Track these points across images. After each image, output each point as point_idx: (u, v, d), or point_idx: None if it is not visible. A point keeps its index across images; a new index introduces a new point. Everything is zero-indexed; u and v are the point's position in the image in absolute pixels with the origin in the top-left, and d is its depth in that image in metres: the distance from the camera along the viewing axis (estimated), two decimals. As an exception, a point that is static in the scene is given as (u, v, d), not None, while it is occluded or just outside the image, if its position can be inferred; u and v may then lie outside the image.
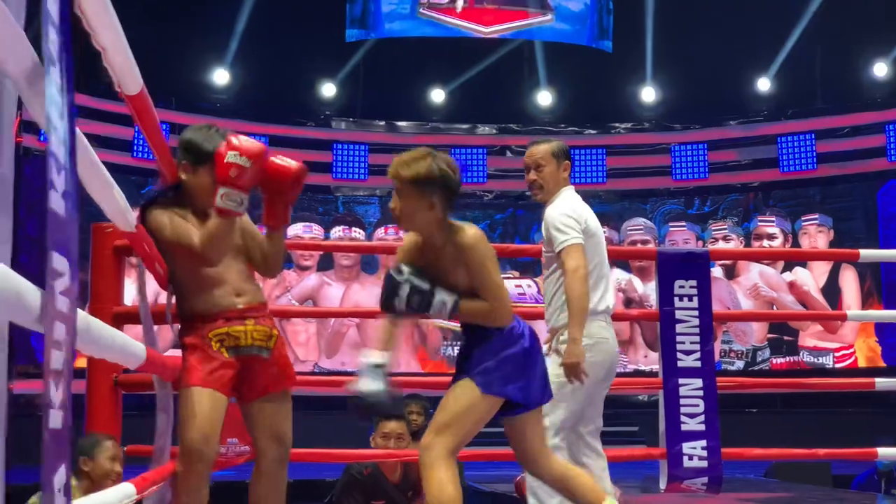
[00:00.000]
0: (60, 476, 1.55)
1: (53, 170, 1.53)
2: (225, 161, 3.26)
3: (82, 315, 1.82)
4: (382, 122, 18.26)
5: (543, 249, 4.59)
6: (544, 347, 4.13)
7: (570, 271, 4.34)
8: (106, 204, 2.83)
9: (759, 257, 17.37)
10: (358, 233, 17.45)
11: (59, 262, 1.53)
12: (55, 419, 1.52)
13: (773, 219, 17.76)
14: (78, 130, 2.00)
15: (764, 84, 17.91)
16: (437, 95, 18.21)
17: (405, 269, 3.51)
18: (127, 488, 2.84)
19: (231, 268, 3.59)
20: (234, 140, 3.28)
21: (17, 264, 1.58)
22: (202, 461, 3.42)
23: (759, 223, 17.79)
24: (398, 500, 5.48)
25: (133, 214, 3.23)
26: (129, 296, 5.22)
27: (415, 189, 3.45)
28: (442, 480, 3.39)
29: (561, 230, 4.44)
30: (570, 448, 4.56)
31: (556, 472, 3.69)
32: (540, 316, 4.92)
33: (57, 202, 1.53)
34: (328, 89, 17.86)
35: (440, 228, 3.52)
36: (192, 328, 3.55)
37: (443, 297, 3.45)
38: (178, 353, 3.77)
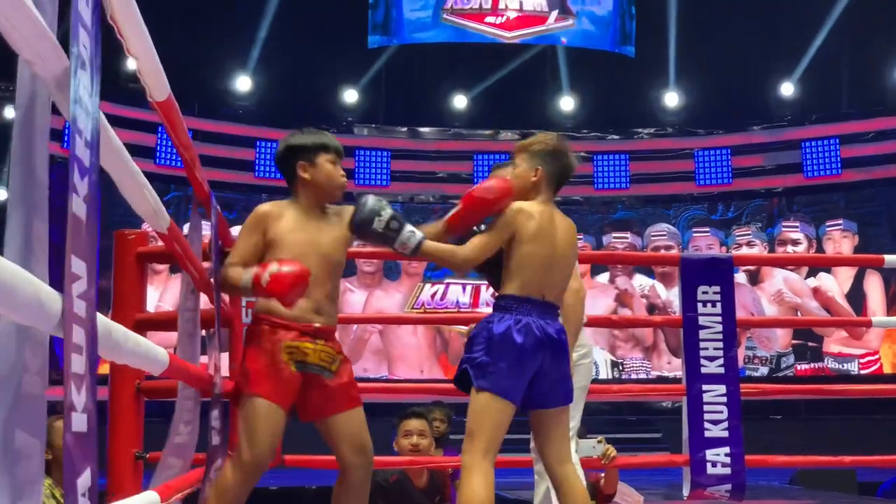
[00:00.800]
0: (85, 479, 1.55)
1: (76, 174, 1.53)
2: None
3: (103, 320, 1.82)
4: (405, 129, 18.27)
5: None
6: None
7: (575, 291, 4.37)
8: (138, 204, 2.85)
9: (783, 263, 17.28)
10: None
11: (77, 266, 1.53)
12: (79, 422, 1.53)
13: (798, 224, 17.67)
14: (111, 131, 2.01)
15: (788, 89, 17.82)
16: (460, 101, 18.21)
17: (380, 198, 3.71)
18: (151, 496, 2.84)
19: (319, 285, 3.63)
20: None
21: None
22: (258, 474, 3.50)
23: (784, 229, 17.70)
24: (425, 503, 5.47)
25: (167, 217, 3.24)
26: (151, 303, 5.23)
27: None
28: (472, 486, 3.51)
29: None
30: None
31: (557, 476, 3.80)
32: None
33: (78, 206, 1.53)
34: (350, 96, 17.89)
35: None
36: (263, 334, 3.58)
37: (410, 229, 3.61)
38: (204, 359, 3.78)
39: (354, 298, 17.06)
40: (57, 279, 1.54)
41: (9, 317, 1.46)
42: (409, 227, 3.60)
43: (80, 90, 1.58)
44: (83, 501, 1.54)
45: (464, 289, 17.44)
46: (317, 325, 3.63)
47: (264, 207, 3.80)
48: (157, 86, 2.72)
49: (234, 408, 3.73)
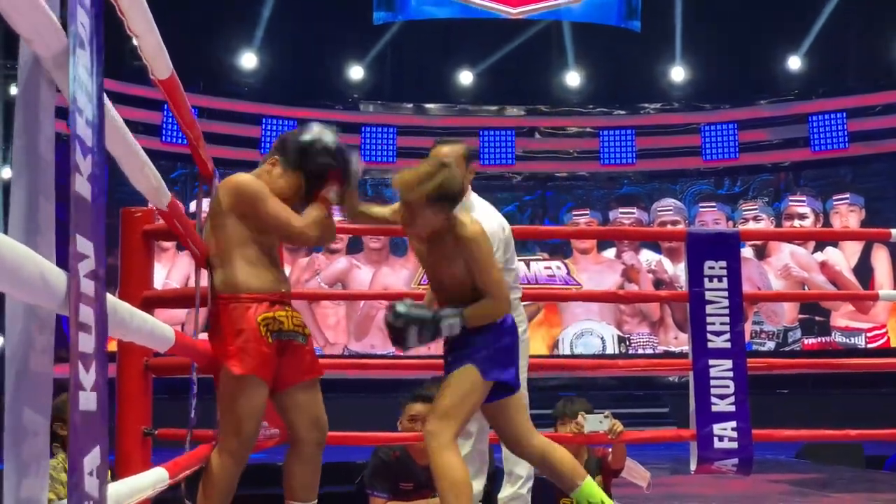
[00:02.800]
0: (93, 458, 1.55)
1: (79, 153, 1.52)
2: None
3: (109, 298, 1.82)
4: (410, 105, 18.24)
5: None
6: None
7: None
8: (140, 182, 2.85)
9: (789, 237, 17.25)
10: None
11: (83, 245, 1.53)
12: (86, 401, 1.53)
13: (804, 198, 17.64)
14: (113, 110, 2.01)
15: (794, 62, 17.75)
16: (466, 77, 18.16)
17: (401, 309, 3.65)
18: (159, 473, 2.85)
19: (277, 252, 3.65)
20: None
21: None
22: (247, 456, 3.49)
23: (790, 203, 17.67)
24: (427, 482, 5.49)
25: (167, 194, 3.23)
26: (159, 280, 5.23)
27: (429, 206, 3.70)
28: (452, 464, 3.52)
29: None
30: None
31: (537, 450, 3.83)
32: (572, 298, 4.93)
33: (82, 185, 1.53)
34: (356, 72, 17.85)
35: (446, 222, 3.68)
36: (235, 311, 3.54)
37: (449, 322, 3.60)
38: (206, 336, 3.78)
39: (361, 275, 17.08)
40: (65, 258, 1.54)
41: (14, 296, 1.46)
42: (446, 322, 3.62)
43: (79, 69, 1.58)
44: (90, 480, 1.55)
45: (470, 265, 17.43)
46: (283, 290, 3.60)
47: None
48: (160, 64, 2.71)
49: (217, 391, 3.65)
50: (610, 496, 5.30)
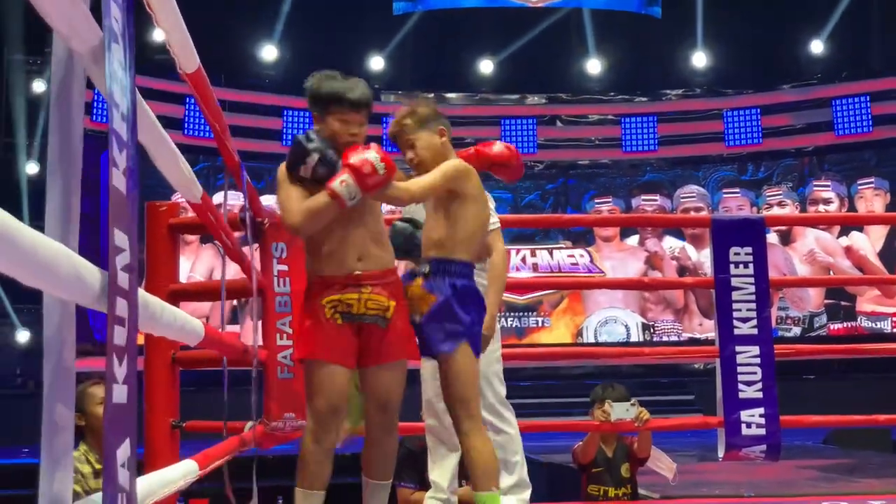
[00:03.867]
0: (124, 450, 1.57)
1: (115, 147, 1.53)
2: (365, 157, 3.39)
3: (140, 293, 1.83)
4: (431, 95, 18.22)
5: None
6: None
7: (502, 253, 4.32)
8: (173, 175, 2.86)
9: (814, 222, 17.17)
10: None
11: (120, 238, 1.54)
12: (119, 394, 1.54)
13: (829, 183, 17.55)
14: (143, 102, 2.02)
15: (817, 46, 17.65)
16: (486, 66, 18.14)
17: (314, 136, 3.61)
18: (189, 465, 2.87)
19: (355, 231, 3.58)
20: (382, 150, 3.45)
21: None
22: (328, 437, 3.48)
23: (815, 188, 17.59)
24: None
25: (199, 187, 3.24)
26: (183, 273, 5.26)
27: (422, 127, 3.84)
28: (485, 447, 3.54)
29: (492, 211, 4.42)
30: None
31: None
32: (596, 285, 4.91)
33: (118, 179, 1.54)
34: (376, 63, 17.85)
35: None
36: (310, 294, 3.58)
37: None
38: (235, 328, 3.80)
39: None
40: (89, 251, 1.56)
41: (51, 292, 1.48)
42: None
43: (114, 64, 1.59)
44: (122, 472, 1.56)
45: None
46: (357, 272, 3.55)
47: None
48: (187, 57, 2.72)
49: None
50: (636, 485, 5.31)
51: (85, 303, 1.53)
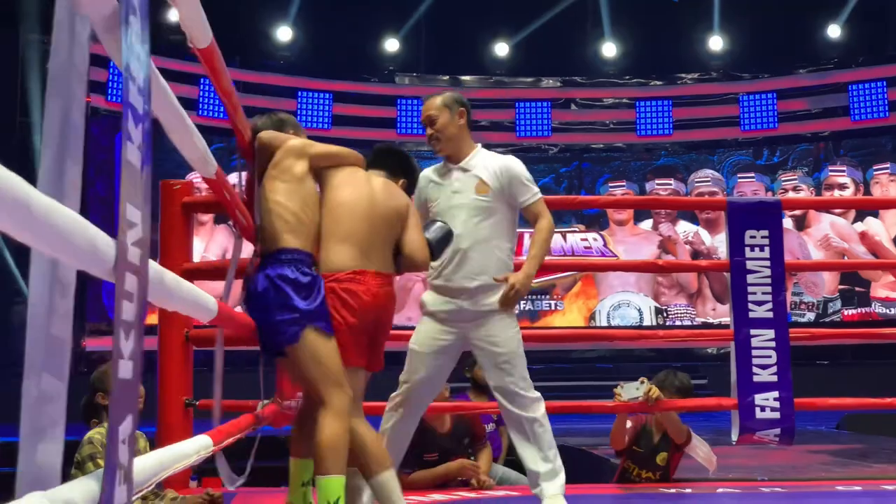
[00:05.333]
0: (126, 426, 1.55)
1: (130, 121, 1.51)
2: None
3: (155, 267, 1.82)
4: (446, 77, 18.18)
5: (479, 197, 4.43)
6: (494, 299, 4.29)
7: (550, 220, 4.44)
8: (188, 150, 2.84)
9: (830, 206, 17.09)
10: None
11: (132, 213, 1.52)
12: (125, 369, 1.53)
13: (844, 168, 17.46)
14: (160, 78, 2.00)
15: (834, 31, 17.54)
16: (501, 49, 18.07)
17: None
18: (203, 440, 2.87)
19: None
20: None
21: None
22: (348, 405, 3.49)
23: (830, 173, 17.50)
24: (452, 448, 5.50)
25: (214, 163, 3.23)
26: (197, 254, 5.25)
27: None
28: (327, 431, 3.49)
29: (531, 182, 4.42)
30: None
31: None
32: (612, 267, 4.89)
33: (133, 153, 1.52)
34: (391, 45, 17.81)
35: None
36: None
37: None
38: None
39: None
40: (104, 227, 1.53)
41: (65, 262, 1.46)
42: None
43: (131, 37, 1.57)
44: (122, 448, 1.55)
45: (507, 237, 17.42)
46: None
47: None
48: (200, 33, 2.70)
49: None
50: (669, 474, 5.30)
51: (98, 273, 1.51)
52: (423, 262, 3.89)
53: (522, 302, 17.19)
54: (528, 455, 4.24)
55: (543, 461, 4.22)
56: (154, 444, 4.42)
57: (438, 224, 4.04)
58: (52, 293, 1.52)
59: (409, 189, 4.03)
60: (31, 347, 1.51)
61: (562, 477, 4.25)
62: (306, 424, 3.64)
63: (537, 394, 4.29)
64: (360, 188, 3.75)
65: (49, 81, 1.55)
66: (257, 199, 3.68)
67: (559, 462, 4.26)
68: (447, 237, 4.01)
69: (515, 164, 4.48)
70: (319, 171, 3.74)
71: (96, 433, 4.16)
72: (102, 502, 1.50)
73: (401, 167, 4.02)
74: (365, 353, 3.64)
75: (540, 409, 4.27)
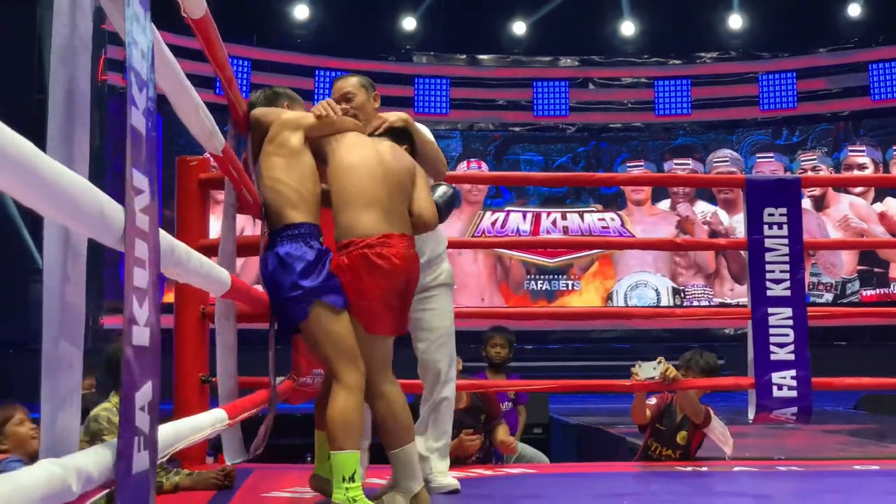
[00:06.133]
0: (144, 393, 1.54)
1: (134, 85, 1.50)
2: None
3: (166, 237, 1.80)
4: (464, 56, 18.12)
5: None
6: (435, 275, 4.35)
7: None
8: (193, 125, 2.82)
9: (849, 184, 17.00)
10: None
11: (139, 179, 1.51)
12: (140, 336, 1.51)
13: (864, 148, 17.36)
14: (166, 49, 1.98)
15: (854, 9, 17.40)
16: (519, 28, 17.99)
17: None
18: (218, 414, 2.86)
19: None
20: None
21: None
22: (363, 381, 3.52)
23: (850, 153, 17.40)
24: (469, 423, 5.50)
25: (222, 139, 3.21)
26: (213, 232, 5.24)
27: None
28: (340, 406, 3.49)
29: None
30: None
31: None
32: (630, 245, 4.87)
33: (137, 119, 1.50)
34: (409, 23, 17.75)
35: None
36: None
37: None
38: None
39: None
40: (122, 203, 1.52)
41: (73, 229, 1.44)
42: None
43: (134, 4, 1.55)
44: (141, 415, 1.54)
45: (524, 216, 17.39)
46: None
47: None
48: (194, 3, 2.68)
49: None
50: (689, 452, 5.29)
51: (107, 241, 1.50)
52: (432, 221, 3.87)
53: (539, 282, 17.19)
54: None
55: (435, 440, 4.30)
56: (168, 419, 4.42)
57: (444, 187, 4.03)
58: (65, 261, 1.51)
59: (412, 155, 4.01)
60: (48, 314, 1.51)
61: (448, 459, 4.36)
62: (326, 397, 3.64)
63: (454, 373, 4.38)
64: (368, 152, 3.74)
65: (53, 51, 1.53)
66: (255, 175, 3.68)
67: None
68: (453, 199, 4.01)
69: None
70: (320, 140, 3.73)
71: (102, 409, 4.16)
72: (120, 468, 1.49)
73: (403, 133, 4.01)
74: (396, 318, 3.63)
75: (453, 389, 4.37)
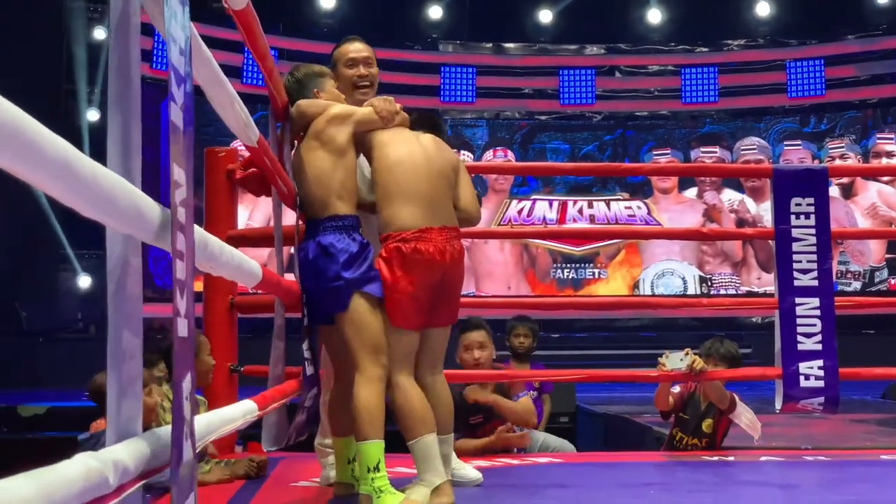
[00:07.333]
0: (188, 383, 1.58)
1: (174, 82, 1.53)
2: None
3: (200, 231, 1.84)
4: (490, 45, 18.10)
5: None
6: None
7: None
8: (229, 117, 2.85)
9: (878, 173, 16.88)
10: (466, 156, 17.39)
11: (178, 174, 1.54)
12: (182, 328, 1.55)
13: (893, 136, 17.25)
14: (201, 43, 2.01)
15: (884, -4, 17.28)
16: (545, 16, 17.94)
17: None
18: (248, 405, 2.90)
19: None
20: None
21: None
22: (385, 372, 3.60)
23: (878, 141, 17.29)
24: (495, 411, 5.53)
25: (256, 130, 3.24)
26: (241, 221, 5.28)
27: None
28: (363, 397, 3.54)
29: None
30: None
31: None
32: (656, 235, 4.86)
33: (176, 114, 1.54)
34: (435, 12, 17.74)
35: None
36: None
37: None
38: (291, 276, 3.81)
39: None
40: (150, 193, 1.56)
41: (110, 226, 1.48)
42: None
43: (173, 1, 1.59)
44: (186, 405, 1.58)
45: (550, 204, 17.38)
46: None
47: None
48: (235, -8, 2.71)
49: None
50: (716, 440, 5.31)
51: (143, 238, 1.53)
52: (476, 215, 3.92)
53: (566, 270, 17.19)
54: None
55: None
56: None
57: None
58: (126, 253, 1.55)
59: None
60: (112, 305, 1.55)
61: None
62: (341, 402, 3.69)
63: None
64: (412, 146, 3.77)
65: (111, 44, 1.56)
66: (294, 165, 3.71)
67: None
68: None
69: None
70: (363, 133, 3.76)
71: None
72: (174, 457, 1.54)
73: (432, 125, 4.03)
74: (424, 314, 3.66)
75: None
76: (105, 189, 1.30)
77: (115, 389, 1.53)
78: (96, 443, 4.10)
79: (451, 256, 3.65)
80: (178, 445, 1.52)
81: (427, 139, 3.85)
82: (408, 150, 3.74)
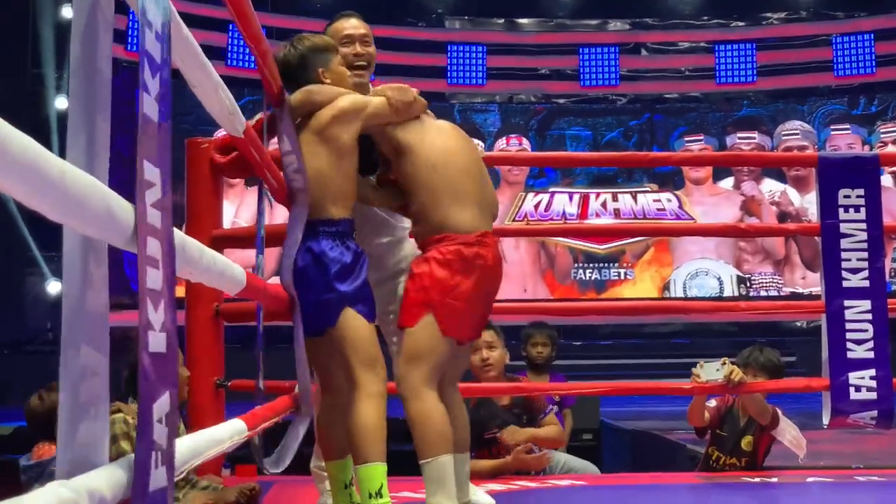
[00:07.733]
0: (162, 405, 1.57)
1: (147, 70, 1.52)
2: None
3: (177, 234, 1.83)
4: (501, 21, 18.11)
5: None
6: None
7: None
8: (212, 105, 2.84)
9: (933, 161, 16.87)
10: (477, 144, 17.39)
11: (150, 172, 1.53)
12: (157, 342, 1.54)
13: (951, 118, 17.25)
14: (182, 24, 2.00)
15: (940, -38, 17.27)
16: (563, -13, 17.99)
17: None
18: (237, 424, 2.89)
19: None
20: None
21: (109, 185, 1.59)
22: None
23: (934, 123, 17.29)
24: (511, 420, 5.53)
25: (243, 120, 3.23)
26: (227, 218, 5.29)
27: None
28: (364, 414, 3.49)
29: None
30: None
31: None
32: (686, 232, 4.85)
33: (150, 106, 1.53)
34: (440, -16, 17.78)
35: None
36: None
37: None
38: (276, 281, 3.79)
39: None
40: (125, 194, 1.54)
41: (79, 230, 1.47)
42: None
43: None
44: (159, 428, 1.56)
45: (570, 198, 17.37)
46: None
47: None
48: (223, -30, 2.71)
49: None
50: (757, 460, 5.30)
51: (116, 242, 1.52)
52: (497, 206, 3.93)
53: (588, 270, 17.17)
54: None
55: None
56: (186, 425, 4.46)
57: None
58: (86, 262, 1.53)
59: None
60: (67, 320, 1.53)
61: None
62: (331, 423, 3.68)
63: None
64: (449, 140, 3.74)
65: (74, 28, 1.55)
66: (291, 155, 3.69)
67: None
68: None
69: None
70: (383, 127, 3.74)
71: (118, 413, 4.18)
72: (137, 486, 1.52)
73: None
74: (475, 326, 3.68)
75: None
76: (73, 190, 1.29)
77: (69, 411, 1.51)
78: (42, 473, 4.09)
79: (500, 266, 3.69)
80: (143, 475, 1.50)
81: (458, 130, 3.86)
82: (447, 145, 3.71)
